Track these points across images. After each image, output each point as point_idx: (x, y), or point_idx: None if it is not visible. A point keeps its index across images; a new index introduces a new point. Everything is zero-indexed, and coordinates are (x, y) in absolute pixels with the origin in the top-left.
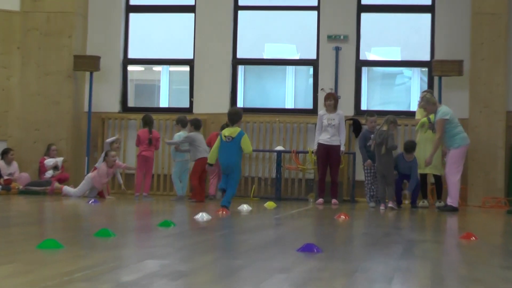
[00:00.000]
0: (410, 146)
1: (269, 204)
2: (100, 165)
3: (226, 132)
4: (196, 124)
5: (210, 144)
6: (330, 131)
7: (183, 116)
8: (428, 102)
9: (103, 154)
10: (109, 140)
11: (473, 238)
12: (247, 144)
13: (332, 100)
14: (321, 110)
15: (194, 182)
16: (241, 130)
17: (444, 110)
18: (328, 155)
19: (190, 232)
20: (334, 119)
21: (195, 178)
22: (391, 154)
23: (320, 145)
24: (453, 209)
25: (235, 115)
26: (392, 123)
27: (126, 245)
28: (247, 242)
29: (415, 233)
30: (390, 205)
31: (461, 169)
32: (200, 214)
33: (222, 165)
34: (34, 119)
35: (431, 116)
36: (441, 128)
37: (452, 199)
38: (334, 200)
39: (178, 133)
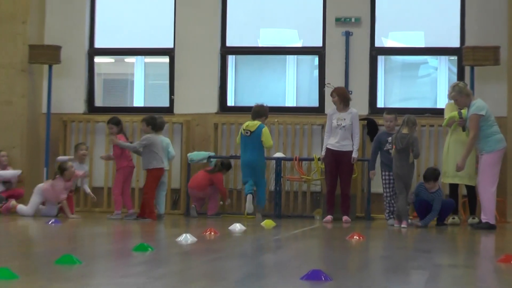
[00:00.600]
0: (430, 174)
1: (267, 223)
2: (55, 180)
3: (245, 125)
4: (154, 124)
5: (193, 184)
6: (340, 134)
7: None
8: (461, 93)
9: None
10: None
11: None
12: (267, 137)
13: (336, 97)
14: (330, 109)
15: (151, 197)
16: (261, 123)
17: (479, 104)
18: (337, 163)
19: (171, 257)
20: (344, 119)
21: (153, 193)
22: (413, 162)
23: (328, 151)
24: (489, 227)
25: (258, 110)
26: (414, 124)
27: (94, 274)
28: (241, 269)
29: (443, 256)
30: (403, 225)
31: (497, 178)
32: (184, 235)
33: (243, 162)
34: None
35: (463, 111)
36: (476, 125)
37: (487, 215)
38: (345, 217)
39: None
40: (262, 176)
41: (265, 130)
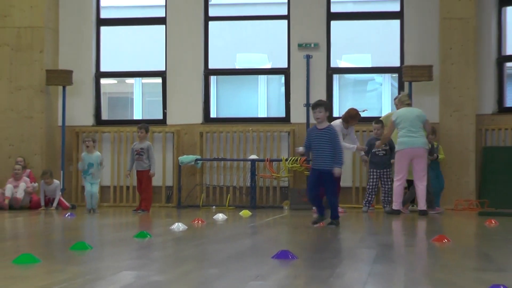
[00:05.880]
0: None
1: (245, 213)
2: None
3: None
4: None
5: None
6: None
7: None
8: (399, 101)
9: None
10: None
11: (445, 240)
12: None
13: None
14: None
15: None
16: None
17: (395, 113)
18: None
19: (165, 242)
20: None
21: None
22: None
23: None
24: (392, 212)
25: None
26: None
27: (102, 258)
28: (223, 251)
29: (388, 237)
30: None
31: (400, 172)
32: (176, 224)
33: None
34: (7, 135)
35: None
36: (388, 127)
37: (395, 202)
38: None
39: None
40: None
41: None
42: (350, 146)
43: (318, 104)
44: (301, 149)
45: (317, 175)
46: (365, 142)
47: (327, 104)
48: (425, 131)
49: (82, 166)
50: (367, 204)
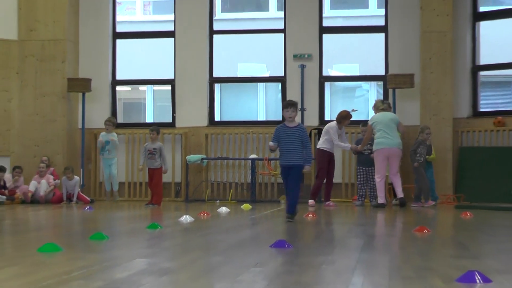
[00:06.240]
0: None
1: (245, 206)
2: None
3: None
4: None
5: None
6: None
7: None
8: (375, 107)
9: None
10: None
11: (426, 231)
12: None
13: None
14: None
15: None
16: None
17: (372, 117)
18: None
19: (175, 233)
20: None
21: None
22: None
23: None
24: (378, 205)
25: None
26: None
27: (118, 247)
28: (226, 241)
29: (374, 228)
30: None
31: (379, 170)
32: (184, 216)
33: None
34: (32, 136)
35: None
36: (367, 130)
37: (379, 197)
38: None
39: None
40: None
41: None
42: (344, 145)
43: (290, 104)
44: (272, 143)
45: (287, 171)
46: (353, 142)
47: (297, 104)
48: (399, 132)
49: (101, 144)
50: (360, 199)
